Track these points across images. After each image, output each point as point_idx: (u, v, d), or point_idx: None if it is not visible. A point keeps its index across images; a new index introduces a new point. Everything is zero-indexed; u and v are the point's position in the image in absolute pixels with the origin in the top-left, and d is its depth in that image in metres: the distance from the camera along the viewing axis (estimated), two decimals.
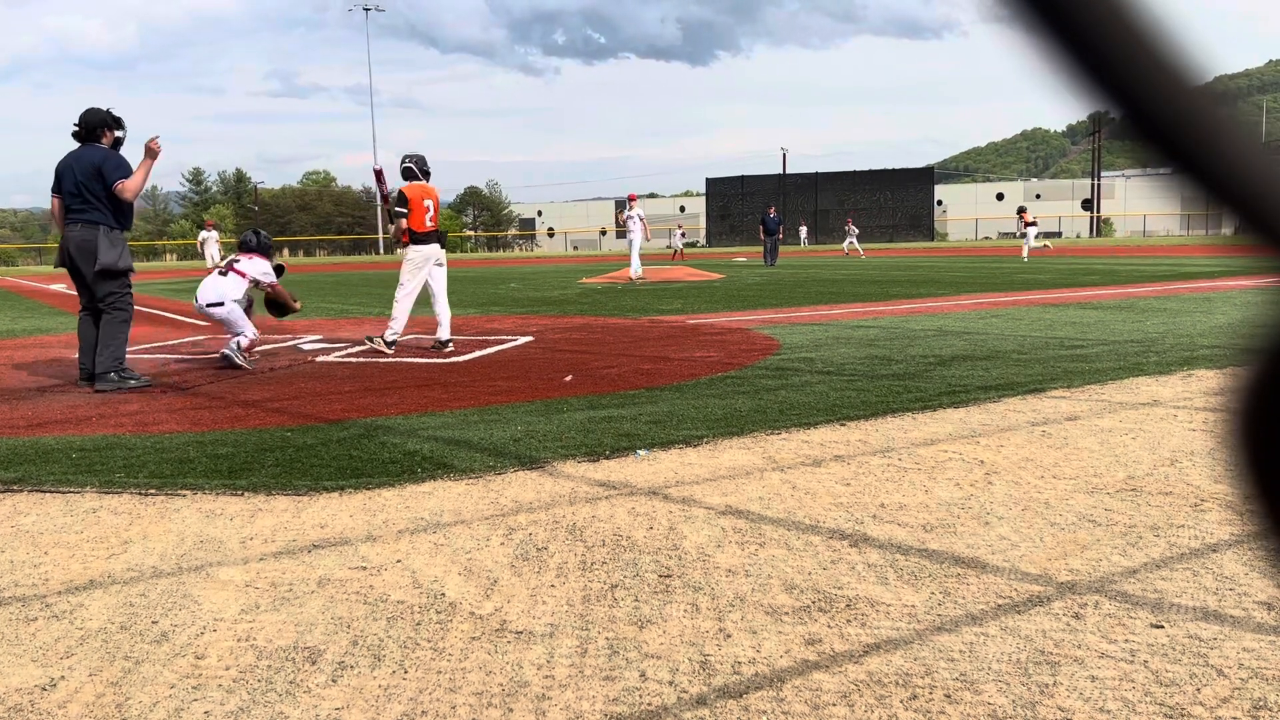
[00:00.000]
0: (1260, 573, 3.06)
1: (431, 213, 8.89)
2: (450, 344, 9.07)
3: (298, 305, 9.14)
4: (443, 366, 8.19)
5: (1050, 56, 0.36)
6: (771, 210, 32.63)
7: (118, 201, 7.31)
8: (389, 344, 8.87)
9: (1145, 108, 0.36)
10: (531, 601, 2.98)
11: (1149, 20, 0.36)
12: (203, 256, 33.16)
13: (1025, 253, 29.13)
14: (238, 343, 8.56)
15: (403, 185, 9.05)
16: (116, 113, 7.53)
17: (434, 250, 8.93)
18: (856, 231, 43.85)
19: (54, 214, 7.56)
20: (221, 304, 8.52)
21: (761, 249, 32.69)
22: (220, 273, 8.79)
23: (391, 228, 9.13)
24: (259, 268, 8.71)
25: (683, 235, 46.90)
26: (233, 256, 8.95)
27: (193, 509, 4.05)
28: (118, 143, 7.51)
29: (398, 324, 8.88)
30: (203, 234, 33.60)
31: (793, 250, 53.90)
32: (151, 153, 7.42)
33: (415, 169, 9.09)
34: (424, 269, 8.89)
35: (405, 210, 8.83)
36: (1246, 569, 3.10)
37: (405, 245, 8.96)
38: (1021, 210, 31.05)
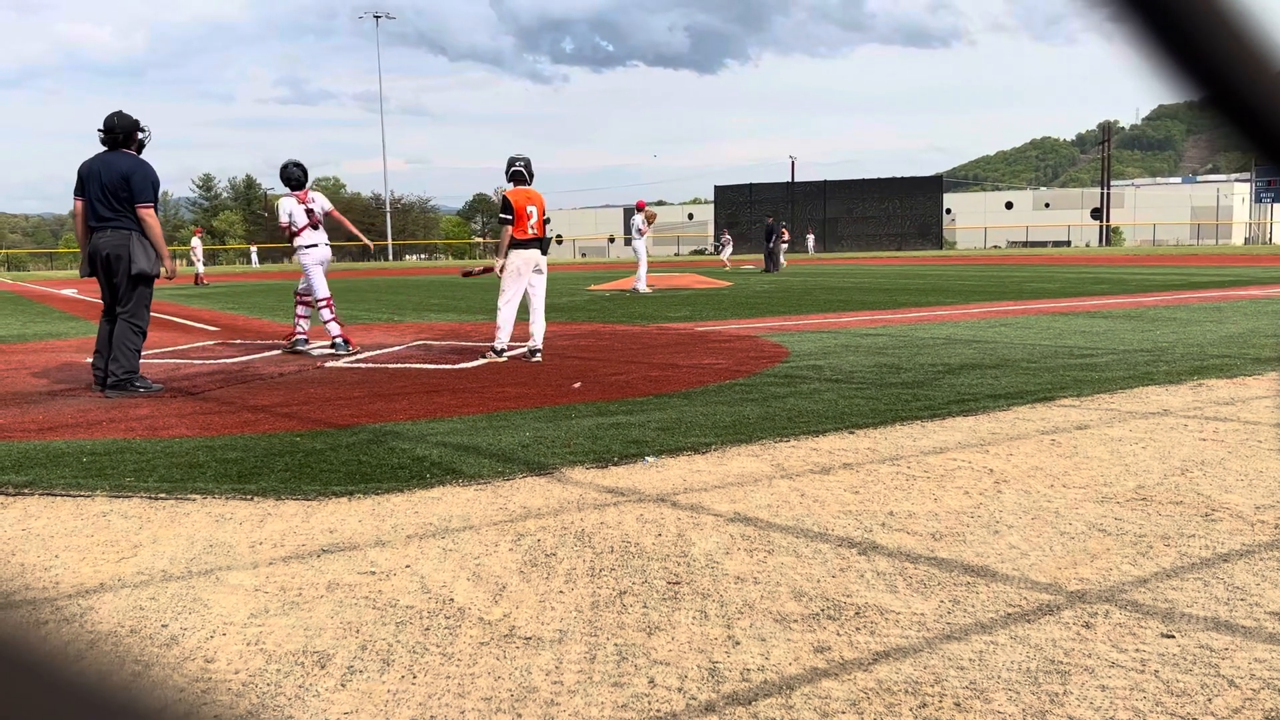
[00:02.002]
0: (1272, 583, 3.05)
1: (534, 219, 8.76)
2: (539, 354, 8.83)
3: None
4: (452, 373, 8.21)
5: (1140, 41, 0.37)
6: (770, 219, 33.60)
7: None
8: (499, 353, 8.82)
9: (1234, 90, 0.37)
10: (540, 607, 2.98)
11: (1237, 5, 0.36)
12: (191, 263, 33.62)
13: (727, 261, 35.13)
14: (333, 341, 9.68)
15: (506, 189, 8.93)
16: (134, 115, 7.51)
17: (534, 255, 8.77)
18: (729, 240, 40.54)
19: (76, 216, 7.50)
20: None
21: (762, 256, 33.48)
22: (313, 226, 9.58)
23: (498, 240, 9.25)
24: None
25: (729, 241, 47.26)
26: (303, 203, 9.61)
27: (202, 513, 4.06)
28: (141, 145, 7.51)
29: (503, 333, 8.78)
30: (194, 240, 34.23)
31: (799, 258, 53.88)
32: (166, 268, 7.56)
33: (524, 172, 8.95)
34: (524, 275, 8.77)
35: (510, 217, 8.70)
36: (1258, 579, 3.09)
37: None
38: (724, 228, 42.69)
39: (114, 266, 7.27)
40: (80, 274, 7.69)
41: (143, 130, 7.48)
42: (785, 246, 40.67)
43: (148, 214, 7.28)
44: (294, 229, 9.48)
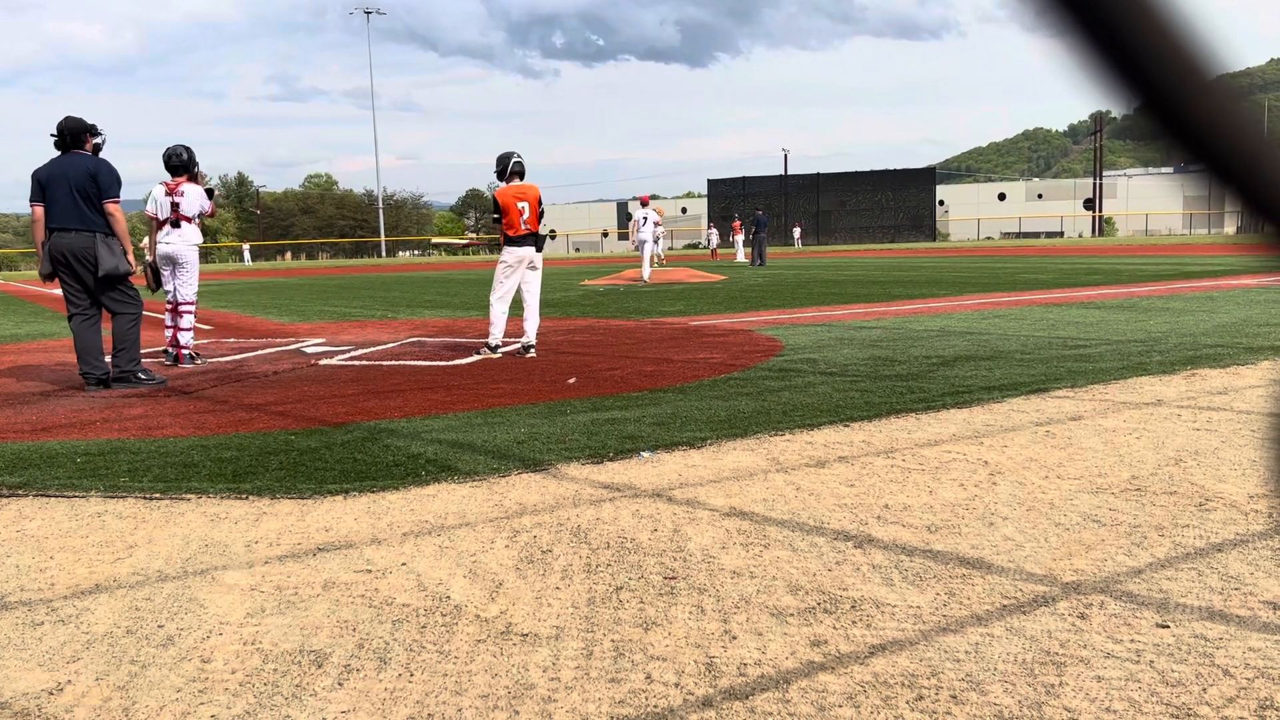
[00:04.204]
0: (1266, 572, 3.06)
1: (526, 215, 8.70)
2: (533, 349, 8.82)
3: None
4: (446, 370, 8.20)
5: (1074, 48, 0.37)
6: (760, 211, 35.21)
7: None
8: (493, 349, 8.82)
9: (1166, 98, 0.37)
10: (536, 604, 2.98)
11: (1171, 13, 0.36)
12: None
13: (661, 258, 35.90)
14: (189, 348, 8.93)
15: (497, 188, 8.90)
16: (89, 120, 7.51)
17: (527, 252, 8.76)
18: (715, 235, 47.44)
19: (37, 223, 7.38)
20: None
21: (750, 250, 34.09)
22: (173, 223, 8.74)
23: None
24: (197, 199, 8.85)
25: (715, 234, 48.37)
26: (168, 194, 8.73)
27: (197, 513, 4.06)
28: (96, 149, 7.51)
29: (496, 328, 8.79)
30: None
31: (788, 251, 53.91)
32: (131, 264, 7.50)
33: (519, 167, 8.90)
34: (517, 271, 8.78)
35: (499, 215, 8.70)
36: (1252, 569, 3.10)
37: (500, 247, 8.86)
38: (713, 221, 47.16)
39: (78, 268, 7.27)
40: (40, 274, 7.49)
41: (98, 135, 7.47)
42: (715, 241, 43.61)
43: (115, 209, 7.33)
44: (157, 219, 8.71)
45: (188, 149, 8.89)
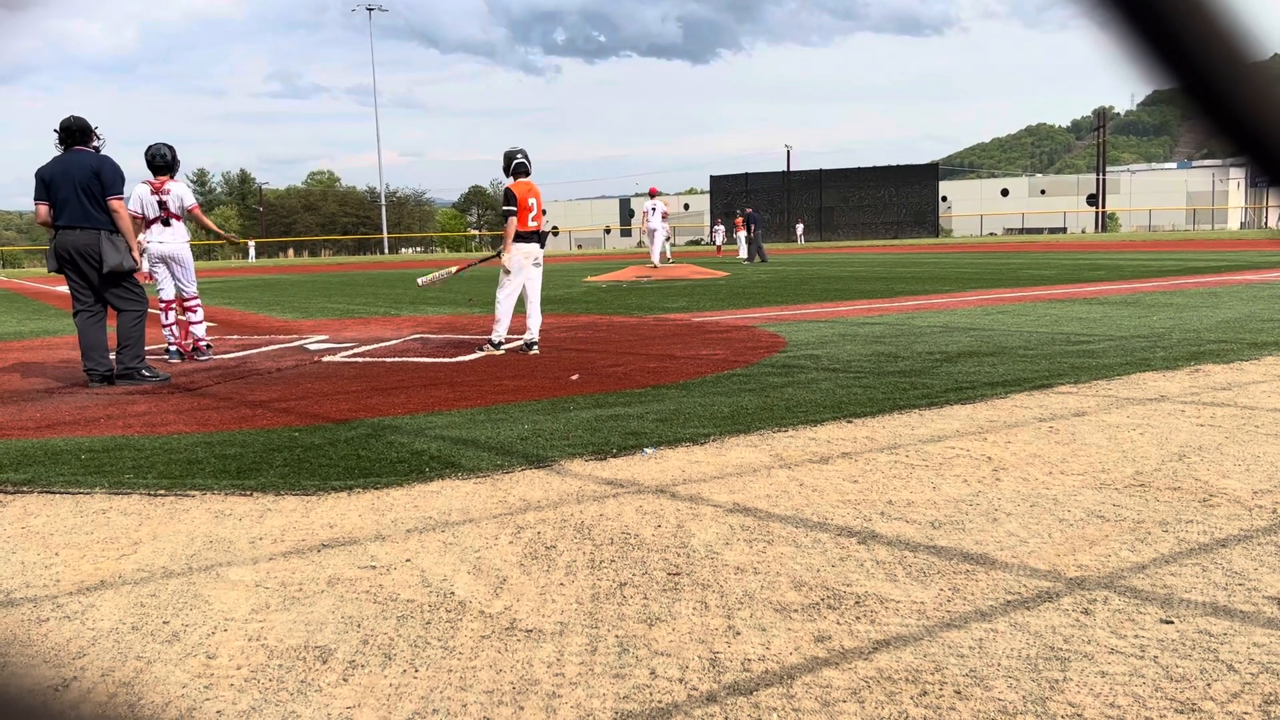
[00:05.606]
0: (1270, 568, 3.06)
1: (534, 212, 8.72)
2: (536, 346, 8.82)
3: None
4: (449, 366, 8.21)
5: (1115, 30, 0.37)
6: (749, 209, 35.63)
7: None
8: (496, 346, 8.82)
9: (1207, 80, 0.37)
10: (541, 600, 2.98)
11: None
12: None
13: (667, 255, 35.55)
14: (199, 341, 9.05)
15: (510, 183, 8.87)
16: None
17: (533, 249, 8.77)
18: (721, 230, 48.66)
19: (41, 222, 7.43)
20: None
21: (747, 247, 34.22)
22: (164, 222, 8.73)
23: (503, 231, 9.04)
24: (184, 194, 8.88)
25: (721, 231, 48.71)
26: (151, 191, 8.71)
27: (202, 509, 4.07)
28: (96, 149, 7.53)
29: (501, 325, 8.79)
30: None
31: (791, 248, 53.90)
32: (136, 260, 7.55)
33: (526, 163, 8.88)
34: (525, 268, 8.80)
35: (514, 209, 8.67)
36: (1256, 564, 3.10)
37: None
38: (718, 218, 48.07)
39: (82, 265, 7.30)
40: (48, 269, 7.62)
41: (98, 137, 7.49)
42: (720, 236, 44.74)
43: (119, 205, 7.37)
44: (146, 219, 8.63)
45: (170, 147, 8.84)
